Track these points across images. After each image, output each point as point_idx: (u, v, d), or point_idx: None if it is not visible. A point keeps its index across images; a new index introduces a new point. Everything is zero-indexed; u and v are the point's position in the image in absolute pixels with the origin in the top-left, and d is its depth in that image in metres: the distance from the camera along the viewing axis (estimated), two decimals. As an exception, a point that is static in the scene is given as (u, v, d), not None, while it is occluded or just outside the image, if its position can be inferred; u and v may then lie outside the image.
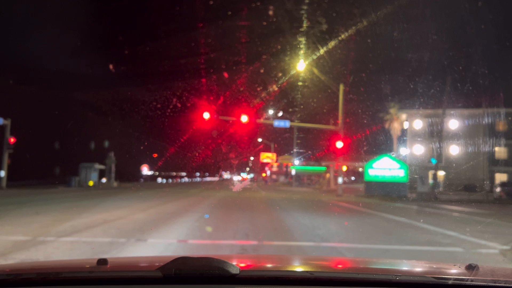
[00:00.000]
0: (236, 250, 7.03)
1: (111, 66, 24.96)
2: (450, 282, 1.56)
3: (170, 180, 63.86)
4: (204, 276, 1.53)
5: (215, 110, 25.16)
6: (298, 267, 2.13)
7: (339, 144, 24.28)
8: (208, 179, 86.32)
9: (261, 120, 27.90)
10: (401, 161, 28.98)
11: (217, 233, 9.07)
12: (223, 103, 32.39)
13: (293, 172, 50.30)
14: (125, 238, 7.90)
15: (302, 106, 36.71)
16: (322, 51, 21.48)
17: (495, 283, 1.57)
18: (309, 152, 48.34)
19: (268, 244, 7.76)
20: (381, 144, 36.70)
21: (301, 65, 23.43)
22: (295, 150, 49.49)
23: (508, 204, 23.68)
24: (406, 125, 39.90)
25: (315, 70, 24.81)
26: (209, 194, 24.98)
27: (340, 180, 26.42)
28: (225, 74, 30.02)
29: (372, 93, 43.04)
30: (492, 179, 35.45)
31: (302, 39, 21.37)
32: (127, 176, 41.05)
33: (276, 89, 28.79)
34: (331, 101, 29.97)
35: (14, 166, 28.54)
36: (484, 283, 1.57)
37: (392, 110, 36.59)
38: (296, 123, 33.17)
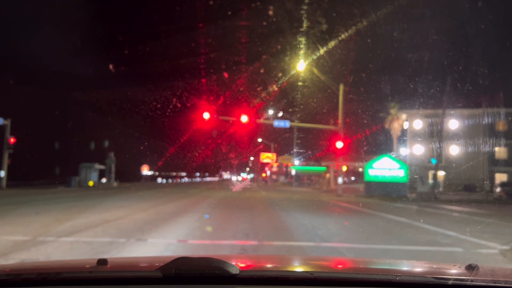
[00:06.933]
0: (236, 250, 7.03)
1: (111, 66, 24.93)
2: (450, 282, 1.56)
3: (170, 180, 63.77)
4: (204, 276, 1.53)
5: (215, 110, 25.14)
6: (298, 267, 2.13)
7: (339, 144, 24.28)
8: (208, 179, 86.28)
9: (261, 120, 27.87)
10: (401, 161, 28.96)
11: (217, 233, 9.07)
12: (223, 103, 32.37)
13: (293, 172, 50.30)
14: (125, 238, 7.91)
15: (302, 106, 36.76)
16: (322, 51, 21.48)
17: (495, 283, 1.57)
18: (309, 152, 48.39)
19: (268, 244, 7.76)
20: (381, 144, 36.70)
21: (301, 65, 23.43)
22: (295, 150, 49.52)
23: (508, 204, 23.66)
24: (406, 125, 39.87)
25: (315, 70, 24.82)
26: (209, 194, 24.97)
27: (340, 180, 26.43)
28: (225, 74, 30.04)
29: (372, 93, 43.08)
30: (492, 179, 35.43)
31: (302, 39, 21.36)
32: (127, 176, 41.04)
33: (276, 89, 28.79)
34: (331, 101, 30.00)
35: (14, 166, 28.56)
36: (484, 283, 1.57)
37: (392, 110, 36.58)
38: (296, 123, 33.16)
